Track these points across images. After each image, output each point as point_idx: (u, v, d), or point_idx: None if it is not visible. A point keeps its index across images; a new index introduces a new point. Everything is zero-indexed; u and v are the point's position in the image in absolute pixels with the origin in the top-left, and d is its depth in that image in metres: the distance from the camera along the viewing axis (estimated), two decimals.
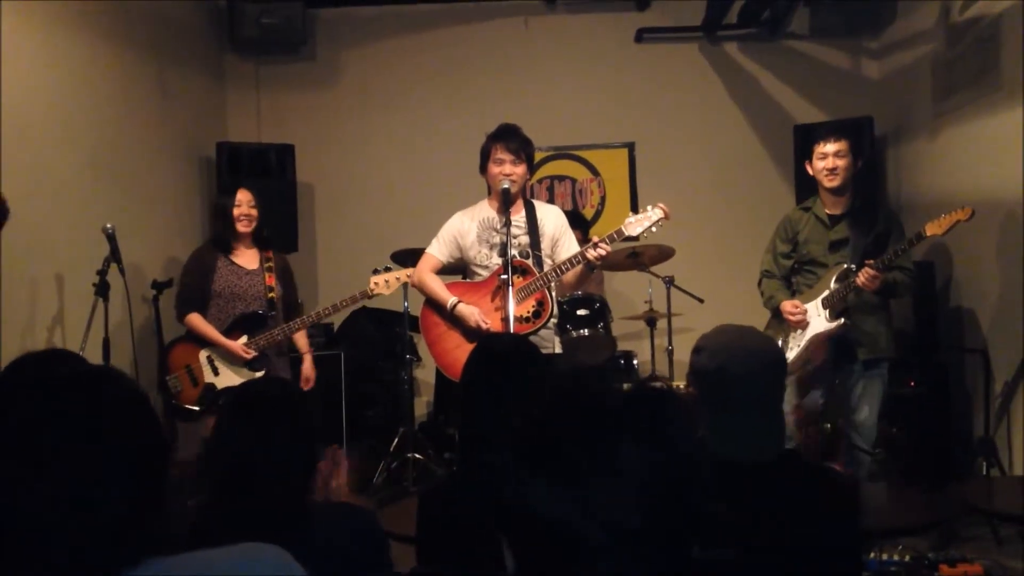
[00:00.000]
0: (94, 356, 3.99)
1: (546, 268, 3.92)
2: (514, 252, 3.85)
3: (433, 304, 4.04)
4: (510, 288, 3.68)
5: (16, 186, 3.97)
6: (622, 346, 5.60)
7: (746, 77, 6.47)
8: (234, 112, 6.54)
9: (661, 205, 3.90)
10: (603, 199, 6.57)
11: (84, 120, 4.70)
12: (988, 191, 4.66)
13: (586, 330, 4.94)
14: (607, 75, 6.51)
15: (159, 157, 5.48)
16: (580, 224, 5.39)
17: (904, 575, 3.46)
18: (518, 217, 3.99)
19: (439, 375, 5.63)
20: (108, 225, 4.24)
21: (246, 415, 1.92)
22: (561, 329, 4.35)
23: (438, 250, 4.10)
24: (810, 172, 4.28)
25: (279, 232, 5.71)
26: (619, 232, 3.86)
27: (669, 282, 5.42)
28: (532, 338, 3.55)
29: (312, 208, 6.53)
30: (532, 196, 5.18)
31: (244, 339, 4.30)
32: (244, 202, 4.38)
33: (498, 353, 2.36)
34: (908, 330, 5.17)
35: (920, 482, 4.47)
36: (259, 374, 4.26)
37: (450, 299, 3.95)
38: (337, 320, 5.77)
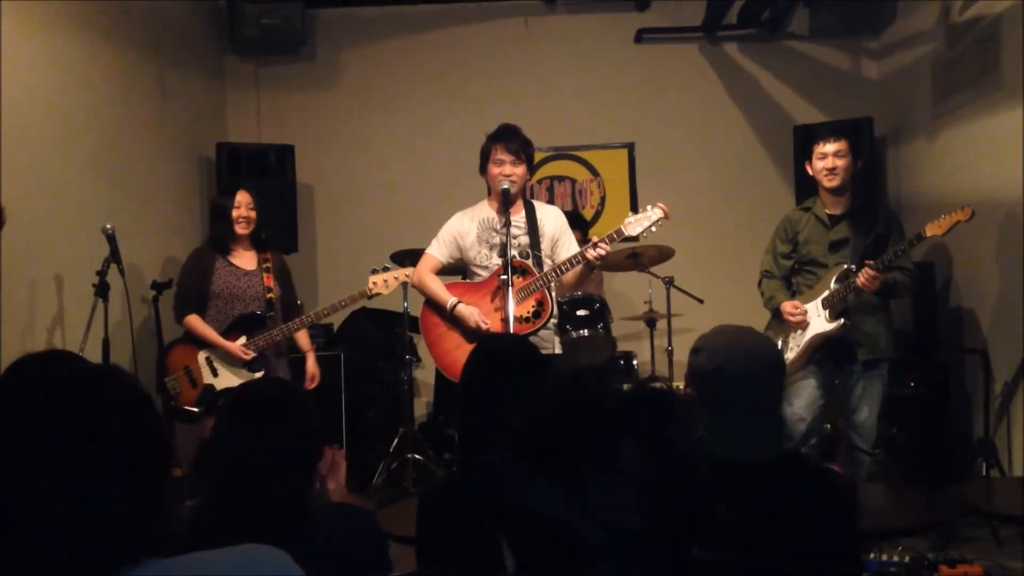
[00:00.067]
0: (94, 357, 3.99)
1: (546, 268, 3.92)
2: (514, 252, 3.85)
3: (433, 305, 4.04)
4: (510, 288, 3.68)
5: (16, 186, 3.98)
6: (622, 347, 5.60)
7: (746, 77, 6.47)
8: (234, 112, 6.54)
9: (661, 205, 3.91)
10: (603, 199, 6.57)
11: (84, 120, 4.70)
12: (988, 191, 4.66)
13: (586, 330, 4.94)
14: (607, 75, 6.51)
15: (159, 157, 5.48)
16: (579, 224, 5.39)
17: None
18: (518, 217, 3.99)
19: (439, 375, 5.62)
20: (108, 225, 4.24)
21: (245, 416, 1.92)
22: (561, 329, 4.35)
23: (438, 251, 4.10)
24: (810, 172, 4.28)
25: (279, 232, 5.71)
26: (619, 232, 3.86)
27: (669, 282, 5.42)
28: (532, 338, 3.55)
29: (312, 208, 6.53)
30: (532, 196, 5.18)
31: (243, 340, 4.30)
32: (243, 204, 4.38)
33: (498, 353, 2.36)
34: (908, 330, 5.17)
35: (920, 483, 4.46)
36: (258, 375, 4.26)
37: (450, 299, 3.95)
38: (337, 321, 5.77)
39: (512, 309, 3.66)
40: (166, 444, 1.18)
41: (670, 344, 5.46)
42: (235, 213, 4.35)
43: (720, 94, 6.48)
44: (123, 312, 4.47)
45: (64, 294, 4.33)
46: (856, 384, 4.17)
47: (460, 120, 6.18)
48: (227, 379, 4.27)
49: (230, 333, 4.30)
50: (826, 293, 4.10)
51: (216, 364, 4.32)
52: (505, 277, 3.69)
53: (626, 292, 6.15)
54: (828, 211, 4.24)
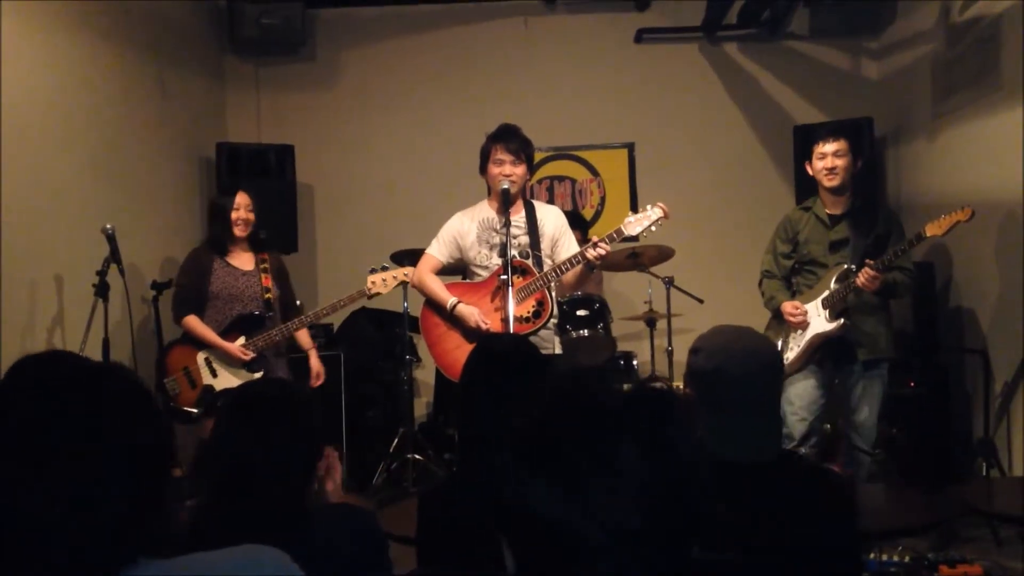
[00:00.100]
0: (94, 357, 3.97)
1: (546, 268, 3.92)
2: (514, 252, 3.85)
3: (433, 305, 4.04)
4: (510, 288, 3.68)
5: (16, 186, 3.98)
6: (622, 347, 5.60)
7: (746, 77, 6.47)
8: (234, 112, 6.54)
9: (660, 204, 3.91)
10: (603, 199, 6.57)
11: (84, 120, 4.70)
12: (988, 191, 4.66)
13: (586, 330, 4.94)
14: (607, 75, 6.51)
15: (159, 157, 5.48)
16: (579, 224, 5.39)
17: None
18: (518, 217, 3.99)
19: (439, 376, 5.62)
20: (108, 226, 4.24)
21: (245, 416, 1.92)
22: (561, 329, 4.35)
23: (438, 251, 4.10)
24: (810, 172, 4.28)
25: (279, 233, 5.71)
26: (619, 232, 3.86)
27: (669, 283, 5.42)
28: (532, 338, 3.55)
29: (312, 209, 6.53)
30: (532, 196, 5.18)
31: (242, 340, 4.30)
32: (242, 206, 4.37)
33: (498, 353, 2.36)
34: (908, 330, 5.17)
35: (920, 483, 4.46)
36: (257, 375, 4.26)
37: (450, 299, 3.95)
38: (337, 321, 5.77)
39: (512, 309, 3.66)
40: (167, 443, 1.18)
41: (670, 344, 5.46)
42: (234, 215, 4.35)
43: (720, 94, 6.48)
44: (123, 312, 4.47)
45: (64, 294, 4.33)
46: (856, 384, 4.16)
47: (460, 120, 6.18)
48: (226, 380, 4.27)
49: (229, 334, 4.30)
50: (826, 293, 4.10)
51: (215, 365, 4.31)
52: (505, 277, 3.69)
53: (626, 292, 6.15)
54: (828, 211, 4.24)
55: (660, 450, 1.03)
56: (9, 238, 3.92)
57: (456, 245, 4.06)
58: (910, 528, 3.17)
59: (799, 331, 4.15)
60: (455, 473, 3.16)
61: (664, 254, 5.38)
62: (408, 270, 4.33)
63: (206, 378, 4.30)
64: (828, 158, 4.16)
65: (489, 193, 4.09)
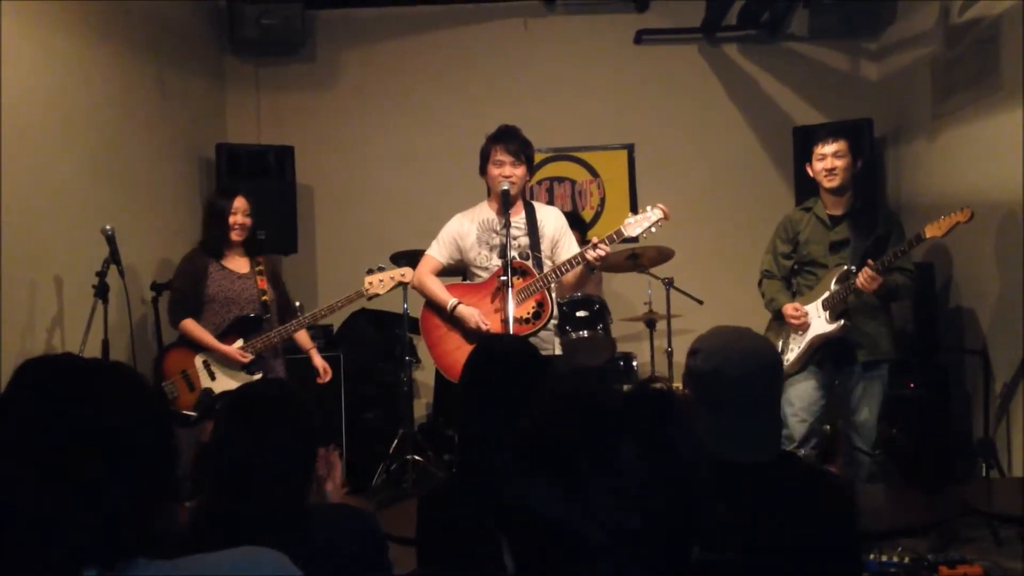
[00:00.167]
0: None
1: (546, 269, 3.92)
2: (514, 254, 3.86)
3: (433, 306, 4.04)
4: (510, 289, 3.68)
5: (16, 187, 3.98)
6: (622, 347, 5.60)
7: (745, 79, 6.47)
8: (233, 113, 6.54)
9: (660, 205, 3.91)
10: (602, 200, 6.57)
11: (84, 120, 4.70)
12: (988, 192, 4.66)
13: (586, 331, 4.93)
14: (606, 76, 6.51)
15: (159, 157, 5.47)
16: (578, 225, 5.39)
17: None
18: (518, 219, 3.99)
19: (438, 377, 5.62)
20: (107, 226, 4.24)
21: (244, 418, 1.92)
22: (561, 330, 4.35)
23: (438, 252, 4.10)
24: (810, 174, 4.29)
25: (278, 233, 5.71)
26: (618, 233, 3.86)
27: (668, 283, 5.42)
28: (532, 339, 3.55)
29: (311, 209, 6.52)
30: (531, 198, 5.18)
31: (240, 343, 4.29)
32: (240, 210, 4.35)
33: (498, 354, 2.36)
34: (908, 331, 5.17)
35: (920, 483, 4.46)
36: (256, 376, 4.25)
37: (450, 301, 3.95)
38: (336, 322, 5.77)
39: (512, 310, 3.66)
40: (169, 443, 1.18)
41: (670, 345, 5.46)
42: (232, 219, 4.33)
43: (720, 95, 6.48)
44: (123, 313, 4.47)
45: (64, 295, 4.33)
46: (856, 385, 4.17)
47: (460, 121, 6.18)
48: (224, 383, 4.26)
49: (227, 336, 4.29)
50: (826, 294, 4.10)
51: (213, 367, 4.31)
52: (505, 278, 3.69)
53: (626, 293, 6.15)
54: (829, 212, 4.24)
55: (660, 450, 1.03)
56: (9, 238, 3.92)
57: (456, 246, 4.07)
58: (910, 529, 3.17)
59: (800, 332, 4.15)
60: (455, 474, 3.15)
61: (664, 255, 5.38)
62: (405, 271, 4.33)
63: (204, 381, 4.30)
64: (828, 159, 4.16)
65: (489, 194, 4.09)
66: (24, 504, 1.04)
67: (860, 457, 4.17)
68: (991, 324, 4.80)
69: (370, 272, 4.37)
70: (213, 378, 4.30)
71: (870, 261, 3.97)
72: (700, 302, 5.52)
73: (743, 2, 6.10)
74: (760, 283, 4.42)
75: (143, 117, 5.31)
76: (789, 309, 4.16)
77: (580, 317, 4.94)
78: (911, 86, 5.74)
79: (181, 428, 4.25)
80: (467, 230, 4.05)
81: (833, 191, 4.19)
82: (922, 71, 5.55)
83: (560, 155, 6.54)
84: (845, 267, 4.08)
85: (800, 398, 4.13)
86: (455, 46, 6.55)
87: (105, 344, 4.17)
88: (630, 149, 6.54)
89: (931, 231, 3.91)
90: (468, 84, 6.51)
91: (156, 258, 5.25)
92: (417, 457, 5.26)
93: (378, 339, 5.89)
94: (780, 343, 4.19)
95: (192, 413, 4.22)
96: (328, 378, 4.55)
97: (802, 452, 4.04)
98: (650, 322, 5.60)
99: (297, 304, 4.64)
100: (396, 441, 5.37)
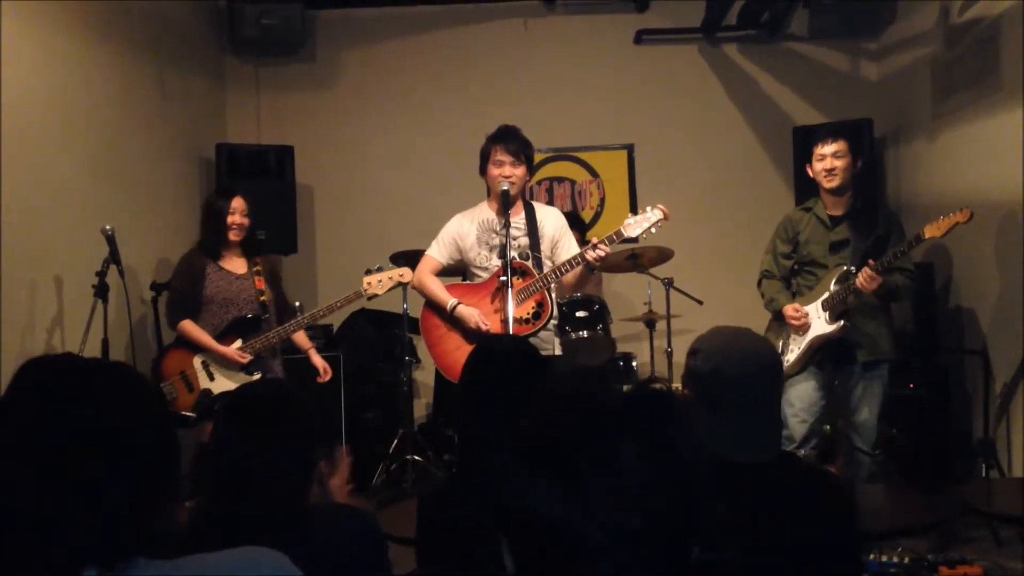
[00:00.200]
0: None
1: (546, 270, 3.92)
2: (514, 254, 3.86)
3: (433, 306, 4.04)
4: (509, 290, 3.68)
5: (15, 187, 3.98)
6: (621, 348, 5.60)
7: (745, 79, 6.47)
8: (233, 113, 6.54)
9: (660, 206, 3.91)
10: (602, 201, 6.57)
11: (84, 121, 4.70)
12: (988, 192, 4.66)
13: (585, 332, 4.93)
14: (606, 76, 6.51)
15: (158, 158, 5.47)
16: (577, 226, 5.39)
17: None
18: (517, 219, 3.99)
19: (438, 377, 5.62)
20: (107, 226, 4.24)
21: (243, 419, 1.92)
22: (560, 331, 4.35)
23: (438, 252, 4.10)
24: (810, 174, 4.29)
25: (278, 233, 5.71)
26: (618, 234, 3.86)
27: (668, 284, 5.42)
28: (532, 340, 3.55)
29: (311, 209, 6.52)
30: (531, 198, 5.19)
31: (238, 343, 4.29)
32: (238, 210, 4.35)
33: (498, 354, 2.36)
34: (908, 331, 5.17)
35: (920, 483, 4.46)
36: (255, 377, 4.25)
37: (450, 301, 3.95)
38: (336, 322, 5.77)
39: (512, 310, 3.66)
40: (169, 443, 1.18)
41: (669, 345, 5.46)
42: (230, 219, 4.33)
43: (720, 95, 6.48)
44: (122, 313, 4.46)
45: (64, 295, 4.33)
46: (856, 385, 4.17)
47: (460, 121, 6.18)
48: (223, 383, 4.26)
49: (225, 337, 4.29)
50: (826, 295, 4.10)
51: (212, 368, 4.30)
52: (505, 278, 3.69)
53: (625, 293, 6.15)
54: (829, 212, 4.24)
55: (660, 450, 1.03)
56: (9, 238, 3.92)
57: (456, 247, 4.07)
58: (910, 529, 3.17)
59: (800, 333, 4.15)
60: (455, 474, 3.16)
61: (664, 255, 5.38)
62: (404, 271, 4.33)
63: (203, 382, 4.29)
64: (827, 159, 4.16)
65: (489, 194, 4.09)
66: (24, 504, 1.04)
67: (860, 457, 4.17)
68: (991, 324, 4.80)
69: (369, 272, 4.37)
70: (212, 379, 4.30)
71: (870, 261, 3.97)
72: (700, 302, 5.52)
73: (743, 2, 6.10)
74: (759, 283, 4.42)
75: (143, 117, 5.31)
76: (790, 310, 4.16)
77: (580, 317, 4.94)
78: (911, 86, 5.74)
79: (180, 429, 4.26)
80: (467, 230, 4.05)
81: (833, 191, 4.19)
82: (922, 71, 5.56)
83: (560, 155, 6.54)
84: (845, 267, 4.08)
85: (800, 398, 4.13)
86: (455, 46, 6.55)
87: (105, 344, 4.17)
88: (630, 149, 6.54)
89: (930, 231, 3.91)
90: (468, 84, 6.51)
91: (156, 258, 5.25)
92: (417, 457, 5.26)
93: (378, 339, 5.89)
94: (780, 344, 4.19)
95: (191, 414, 4.22)
96: (328, 377, 4.55)
97: (802, 452, 4.04)
98: (650, 322, 5.60)
99: (296, 304, 4.64)
100: (396, 441, 5.37)
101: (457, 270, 4.17)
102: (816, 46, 6.44)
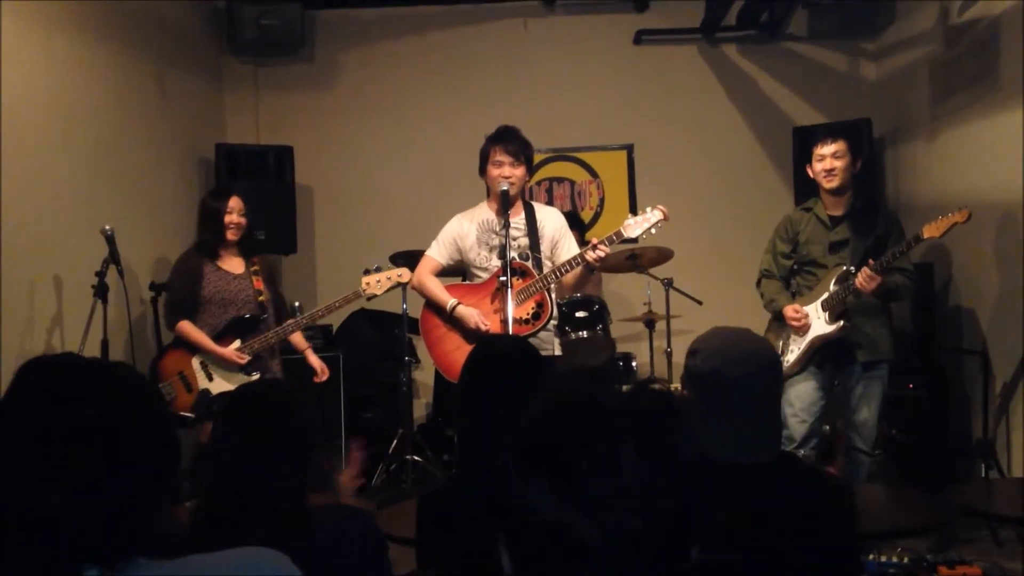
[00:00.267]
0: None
1: (545, 270, 3.92)
2: (513, 254, 3.86)
3: (433, 306, 4.04)
4: (509, 290, 3.68)
5: (15, 187, 3.98)
6: (621, 348, 5.60)
7: (745, 79, 6.47)
8: (233, 114, 6.54)
9: (660, 207, 3.91)
10: (602, 201, 6.57)
11: (83, 121, 4.70)
12: (987, 192, 4.67)
13: (585, 332, 4.94)
14: (606, 77, 6.51)
15: (158, 158, 5.47)
16: (576, 226, 5.39)
17: None
18: (517, 219, 3.99)
19: (438, 377, 5.62)
20: (106, 227, 4.23)
21: (242, 419, 1.92)
22: (560, 331, 4.35)
23: (438, 252, 4.10)
24: (810, 175, 4.29)
25: (278, 234, 5.71)
26: (618, 234, 3.86)
27: (668, 284, 5.42)
28: (531, 340, 3.55)
29: (311, 210, 6.52)
30: (531, 198, 5.19)
31: (237, 344, 4.29)
32: (235, 210, 4.35)
33: (497, 355, 2.36)
34: (907, 331, 5.17)
35: (919, 484, 4.46)
36: (254, 377, 4.25)
37: (450, 301, 3.95)
38: (336, 322, 5.77)
39: (511, 311, 3.66)
40: (169, 443, 1.18)
41: (669, 345, 5.46)
42: (227, 219, 4.33)
43: (719, 95, 6.48)
44: (122, 313, 4.46)
45: (63, 295, 4.33)
46: (856, 385, 4.17)
47: (459, 121, 6.19)
48: (222, 384, 4.26)
49: (224, 337, 4.28)
50: (826, 295, 4.10)
51: (211, 368, 4.30)
52: (505, 279, 3.69)
53: (625, 293, 6.15)
54: (829, 212, 4.24)
55: (659, 451, 1.03)
56: (9, 238, 3.92)
57: (456, 247, 4.07)
58: (909, 529, 3.17)
59: (800, 334, 4.15)
60: (454, 474, 3.15)
61: (663, 255, 5.38)
62: (403, 271, 4.32)
63: (202, 382, 4.29)
64: (827, 159, 4.16)
65: (488, 195, 4.09)
66: (24, 504, 1.04)
67: (860, 457, 4.17)
68: (990, 324, 4.80)
69: (367, 272, 4.37)
70: (211, 379, 4.29)
71: (870, 261, 3.97)
72: (699, 302, 5.52)
73: (743, 2, 6.10)
74: (759, 283, 4.42)
75: (142, 117, 5.31)
76: (790, 311, 4.16)
77: (580, 317, 4.94)
78: (910, 86, 5.75)
79: (179, 429, 4.26)
80: (467, 231, 4.05)
81: (833, 191, 4.19)
82: (921, 71, 5.56)
83: (559, 155, 6.54)
84: (844, 267, 4.08)
85: (800, 399, 4.13)
86: (455, 46, 6.55)
87: (104, 344, 4.17)
88: (629, 149, 6.54)
89: (929, 231, 3.91)
90: (468, 84, 6.51)
91: (155, 258, 5.25)
92: (416, 457, 5.26)
93: (377, 339, 5.89)
94: (780, 344, 4.18)
95: (190, 414, 4.22)
96: (325, 378, 4.55)
97: (802, 452, 4.04)
98: (649, 322, 5.60)
99: (296, 304, 4.64)
100: (396, 441, 5.37)
101: (457, 270, 4.17)
102: (815, 46, 6.44)
